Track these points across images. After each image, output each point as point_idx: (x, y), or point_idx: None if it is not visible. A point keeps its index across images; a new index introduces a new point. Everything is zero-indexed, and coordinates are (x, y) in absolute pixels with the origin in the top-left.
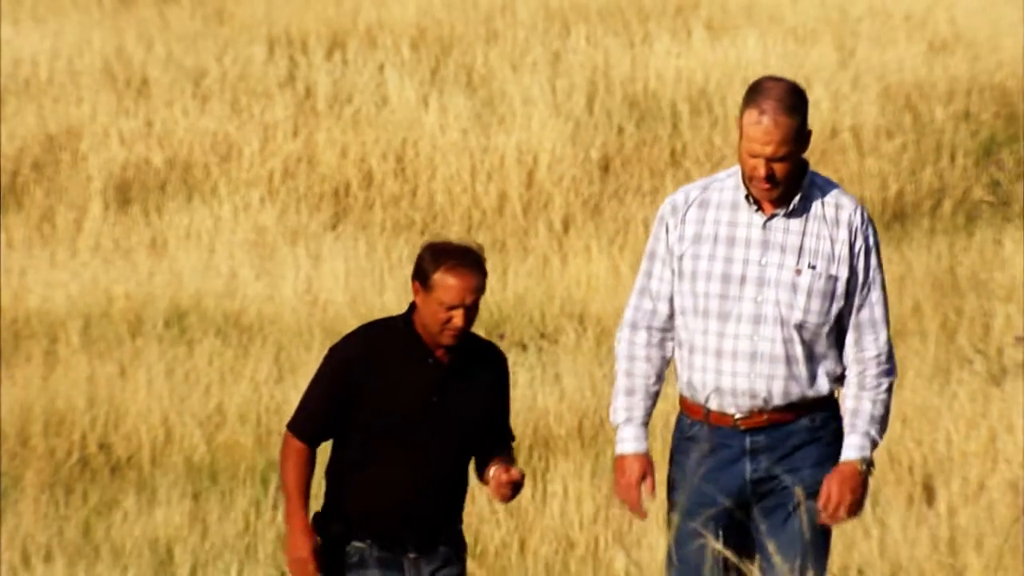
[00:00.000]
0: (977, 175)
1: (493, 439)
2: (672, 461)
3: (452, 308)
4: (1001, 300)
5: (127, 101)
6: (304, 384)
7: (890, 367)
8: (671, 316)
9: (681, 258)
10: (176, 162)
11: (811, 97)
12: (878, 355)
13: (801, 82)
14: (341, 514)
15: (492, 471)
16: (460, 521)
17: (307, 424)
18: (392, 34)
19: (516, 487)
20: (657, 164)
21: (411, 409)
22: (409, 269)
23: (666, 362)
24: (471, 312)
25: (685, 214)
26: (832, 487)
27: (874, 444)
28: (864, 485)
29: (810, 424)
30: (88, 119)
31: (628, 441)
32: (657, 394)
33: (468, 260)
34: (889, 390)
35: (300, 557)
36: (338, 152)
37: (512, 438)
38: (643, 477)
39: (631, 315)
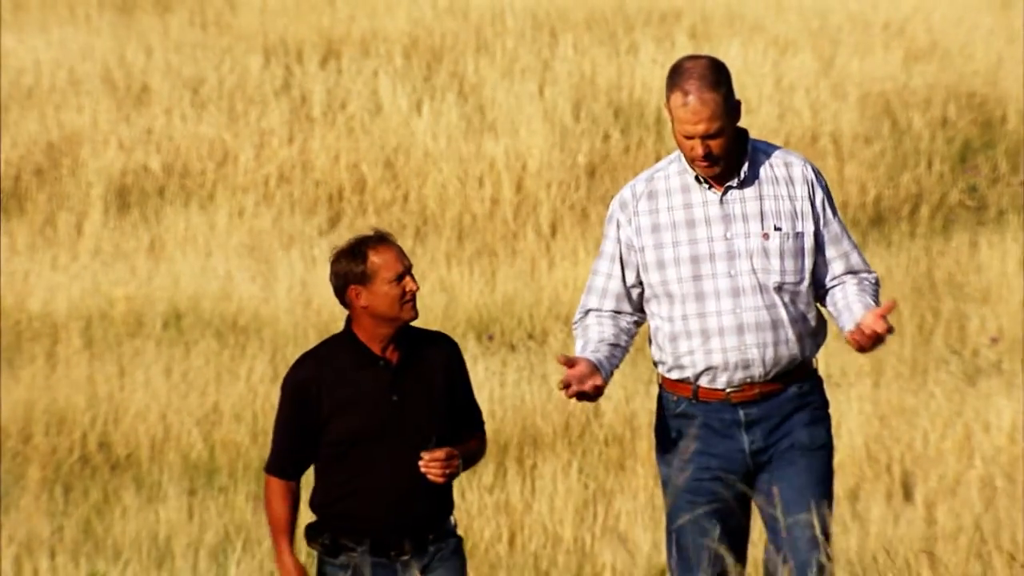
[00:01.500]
0: (954, 180)
1: (460, 424)
2: (659, 440)
3: (400, 277)
4: (977, 302)
5: (127, 108)
6: None
7: (876, 278)
8: (617, 311)
9: (643, 250)
10: (174, 168)
11: (793, 105)
12: (876, 281)
13: (782, 89)
14: (329, 526)
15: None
16: (449, 515)
17: (282, 462)
18: (385, 43)
19: (465, 462)
20: (642, 169)
21: (372, 413)
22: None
23: (621, 333)
24: (413, 276)
25: (636, 207)
26: (869, 317)
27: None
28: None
29: (799, 391)
30: (89, 126)
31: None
32: (615, 351)
33: (382, 237)
34: (876, 279)
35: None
36: (332, 158)
37: (481, 420)
38: (582, 374)
39: (577, 315)
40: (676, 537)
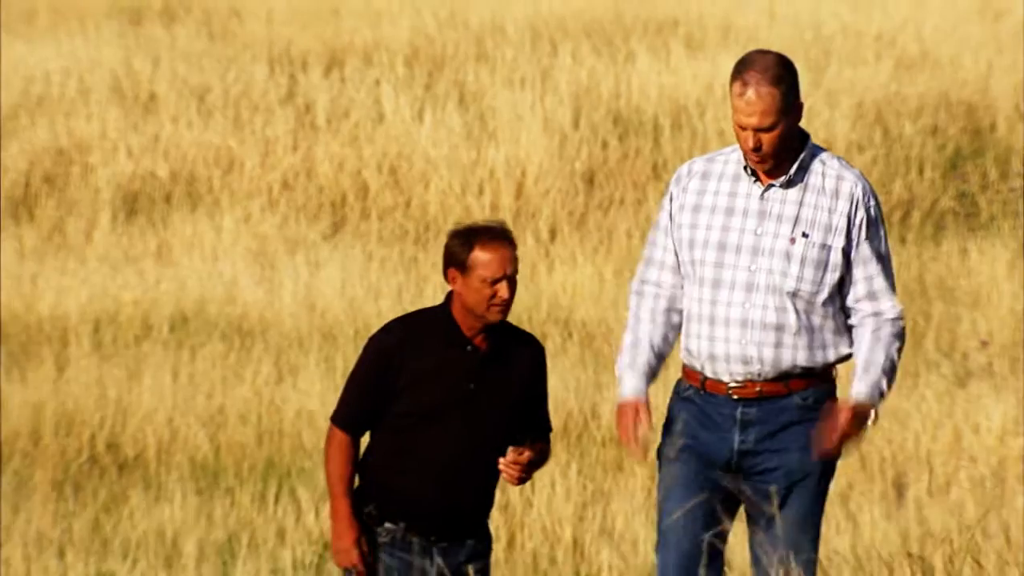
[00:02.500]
0: (944, 187)
1: (529, 428)
2: (667, 416)
3: (496, 282)
4: (967, 307)
5: (135, 116)
6: (303, 386)
7: (903, 331)
8: (676, 285)
9: (680, 227)
10: (181, 175)
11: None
12: (895, 318)
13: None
14: (376, 495)
15: (507, 453)
16: (488, 514)
17: (349, 416)
18: (387, 53)
19: (527, 467)
20: (639, 177)
21: (447, 395)
22: (403, 277)
23: (672, 328)
24: (513, 283)
25: (687, 184)
26: (840, 416)
27: (882, 395)
28: (863, 426)
29: (801, 402)
30: (97, 134)
31: (625, 387)
32: (662, 356)
33: (498, 233)
34: (900, 351)
35: (344, 547)
36: (336, 165)
37: (549, 429)
38: (637, 415)
39: (636, 284)
40: (663, 505)
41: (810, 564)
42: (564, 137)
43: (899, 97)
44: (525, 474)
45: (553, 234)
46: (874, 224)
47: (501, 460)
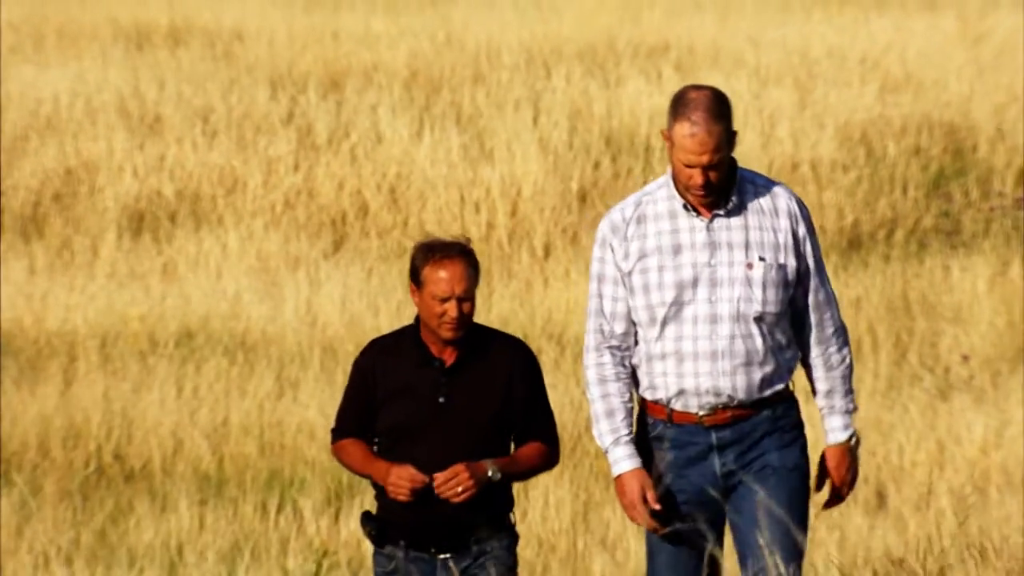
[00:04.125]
0: (927, 206)
1: (525, 429)
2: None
3: (445, 300)
4: (949, 322)
5: (141, 137)
6: (304, 399)
7: (845, 337)
8: (628, 334)
9: (630, 274)
10: (186, 194)
11: (773, 134)
12: (835, 330)
13: (764, 120)
14: (377, 517)
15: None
16: (503, 516)
17: (340, 424)
18: (386, 75)
19: (455, 483)
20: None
21: (418, 411)
22: (401, 294)
23: (632, 378)
24: (464, 302)
25: (627, 231)
26: (831, 471)
27: (853, 412)
28: (855, 460)
29: (771, 415)
30: (104, 154)
31: (622, 460)
32: (631, 410)
33: (454, 252)
34: (850, 358)
35: (394, 480)
36: (336, 185)
37: (550, 423)
38: (644, 492)
39: (592, 340)
40: (651, 556)
41: (798, 554)
42: (558, 157)
43: (883, 119)
44: (464, 486)
45: (547, 251)
46: (811, 234)
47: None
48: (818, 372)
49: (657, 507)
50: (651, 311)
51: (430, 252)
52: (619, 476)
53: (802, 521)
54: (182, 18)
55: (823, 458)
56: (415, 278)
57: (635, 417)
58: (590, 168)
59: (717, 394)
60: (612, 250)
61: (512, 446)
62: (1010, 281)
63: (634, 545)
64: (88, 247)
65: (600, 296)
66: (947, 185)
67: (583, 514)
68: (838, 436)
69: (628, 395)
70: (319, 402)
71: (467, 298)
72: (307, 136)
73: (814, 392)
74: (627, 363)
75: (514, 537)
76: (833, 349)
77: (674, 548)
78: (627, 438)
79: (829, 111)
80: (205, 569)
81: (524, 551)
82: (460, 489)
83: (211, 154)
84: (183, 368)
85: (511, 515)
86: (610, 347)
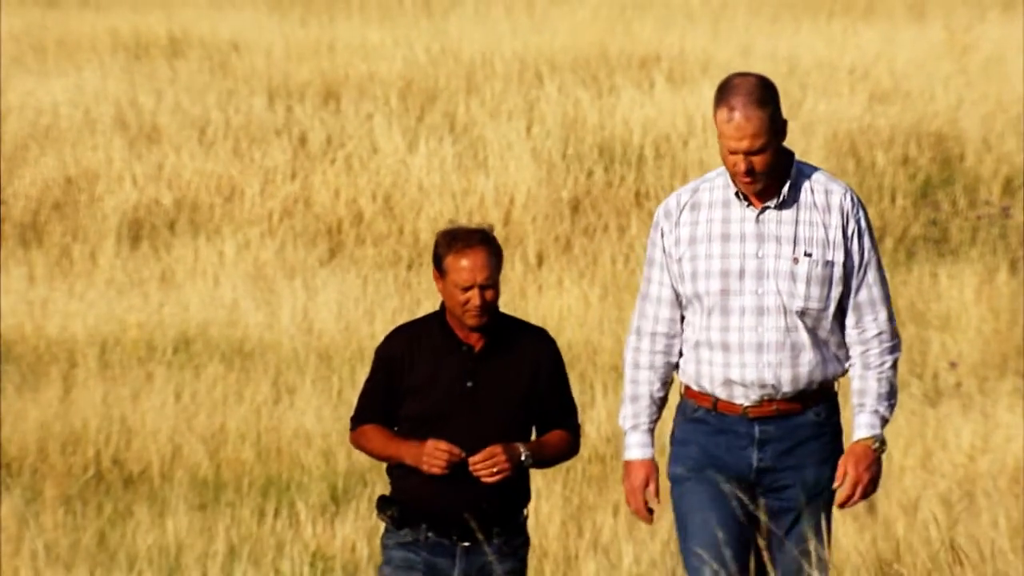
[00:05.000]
0: (915, 214)
1: (549, 418)
2: (674, 442)
3: (467, 289)
4: (937, 329)
5: (139, 147)
6: (301, 405)
7: (893, 344)
8: (674, 320)
9: (680, 260)
10: (184, 202)
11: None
12: (879, 333)
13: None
14: (397, 499)
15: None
16: (520, 512)
17: (360, 412)
18: (381, 86)
19: (491, 464)
20: (623, 204)
21: (446, 397)
22: (396, 301)
23: (671, 367)
24: (487, 291)
25: (679, 217)
26: (849, 468)
27: (884, 421)
28: (878, 463)
29: (815, 418)
30: (103, 163)
31: (633, 447)
32: (663, 400)
33: (475, 240)
34: (894, 366)
35: (430, 451)
36: (332, 193)
37: (572, 416)
38: (647, 483)
39: (636, 321)
40: (685, 524)
41: (823, 567)
42: (551, 166)
43: (872, 128)
44: (500, 467)
45: (540, 259)
46: (866, 234)
47: (470, 460)
48: (855, 371)
49: (658, 500)
50: (699, 299)
51: (452, 241)
52: (628, 462)
53: (828, 537)
54: (180, 30)
55: (845, 453)
56: (439, 267)
57: (677, 405)
58: (583, 177)
59: (762, 386)
60: (663, 235)
61: (533, 434)
62: (997, 289)
63: (625, 548)
64: (87, 255)
65: (649, 280)
66: (935, 194)
67: (576, 518)
68: (862, 433)
69: (659, 385)
70: (315, 408)
71: (490, 285)
72: (303, 146)
73: (852, 393)
74: (669, 352)
75: (527, 540)
76: (874, 352)
77: (708, 510)
78: (646, 426)
79: (819, 121)
80: (203, 572)
81: None
82: (496, 469)
83: (208, 163)
84: (181, 374)
85: (525, 510)
86: (653, 333)
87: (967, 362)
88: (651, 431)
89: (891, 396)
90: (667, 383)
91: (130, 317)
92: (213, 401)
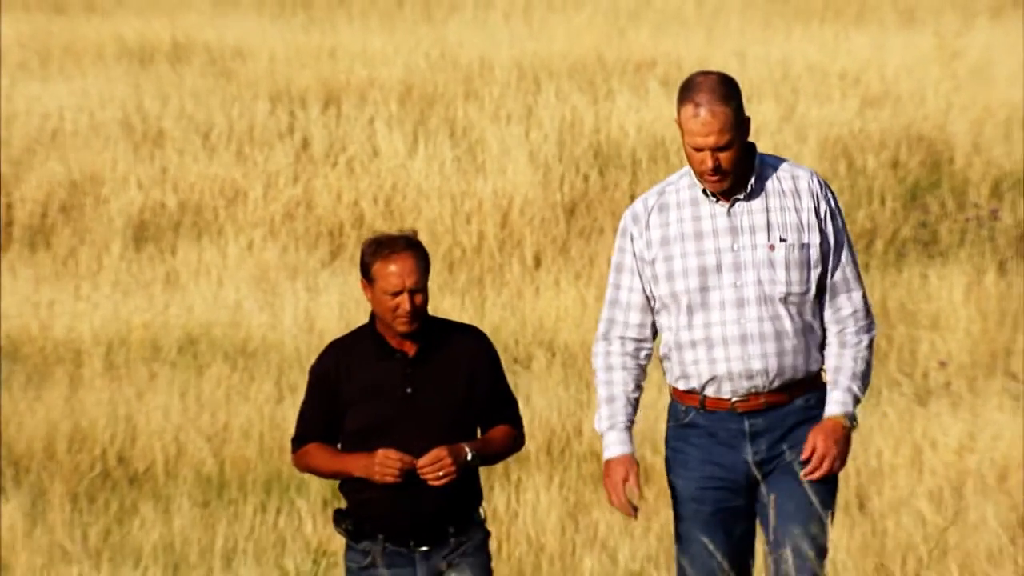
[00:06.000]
0: (905, 217)
1: (491, 413)
2: (669, 449)
3: (397, 294)
4: (926, 329)
5: (144, 151)
6: None
7: (868, 323)
8: (644, 325)
9: (653, 262)
10: (188, 205)
11: (758, 147)
12: (854, 312)
13: (748, 136)
14: (351, 513)
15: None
16: (474, 508)
17: (301, 433)
18: (382, 91)
19: (437, 467)
20: (619, 207)
21: (386, 405)
22: None
23: (642, 370)
24: (416, 295)
25: (648, 220)
26: (817, 441)
27: (856, 400)
28: (847, 440)
29: (804, 404)
30: (109, 166)
31: (612, 446)
32: (637, 401)
33: (401, 246)
34: (869, 346)
35: (381, 462)
36: (333, 196)
37: (513, 404)
38: (626, 478)
39: (604, 328)
40: (683, 544)
41: (822, 548)
42: (548, 170)
43: (863, 132)
44: (446, 470)
45: (538, 261)
46: (837, 214)
47: (416, 463)
48: (831, 349)
49: (638, 492)
50: (676, 298)
51: (378, 248)
52: (607, 460)
53: (827, 510)
54: (184, 36)
55: (814, 428)
56: (366, 275)
57: (668, 407)
58: (579, 181)
59: (749, 377)
60: (632, 240)
61: (478, 432)
62: (985, 290)
63: (622, 544)
64: (93, 257)
65: (617, 286)
66: (924, 197)
67: (573, 515)
68: (833, 409)
69: (633, 385)
70: None
71: (419, 290)
72: (305, 150)
73: (827, 370)
74: (641, 355)
75: (486, 533)
76: (850, 331)
77: (707, 536)
78: (623, 425)
79: (811, 125)
80: (207, 568)
81: (515, 551)
82: (442, 472)
83: (212, 167)
84: (185, 374)
85: (482, 509)
86: (622, 337)
87: (956, 362)
88: (628, 429)
89: (865, 376)
90: (640, 385)
91: (135, 318)
92: (217, 400)
